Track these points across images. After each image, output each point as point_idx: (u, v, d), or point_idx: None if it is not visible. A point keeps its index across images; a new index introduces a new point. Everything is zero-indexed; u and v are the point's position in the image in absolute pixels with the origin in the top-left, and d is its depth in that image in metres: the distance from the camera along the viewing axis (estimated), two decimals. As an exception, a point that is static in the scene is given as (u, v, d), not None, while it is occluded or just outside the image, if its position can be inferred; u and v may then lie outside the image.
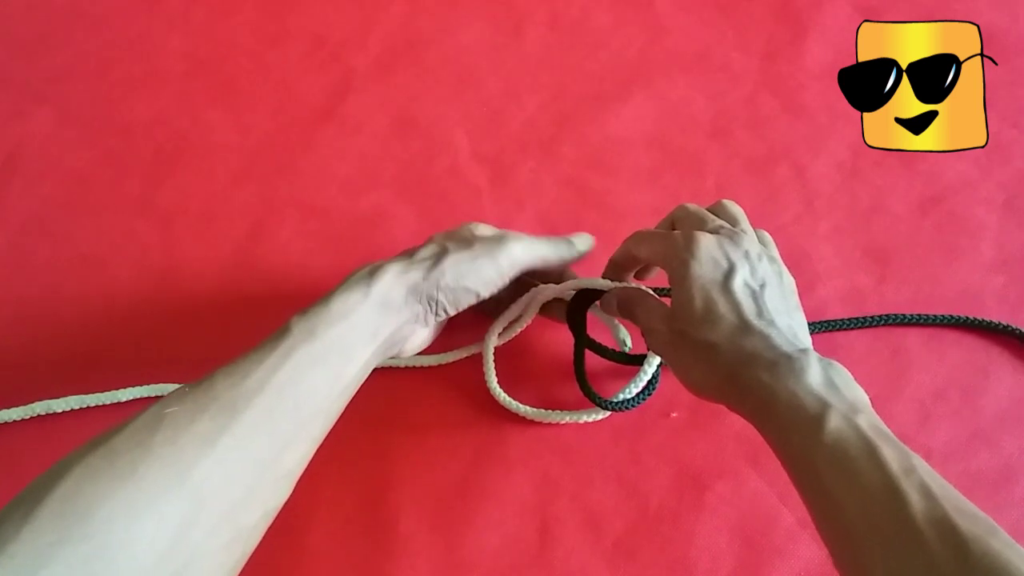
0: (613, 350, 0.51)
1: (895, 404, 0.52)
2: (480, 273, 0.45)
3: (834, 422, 0.35)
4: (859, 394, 0.38)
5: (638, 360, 0.51)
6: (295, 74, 0.65)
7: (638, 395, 0.50)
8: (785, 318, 0.41)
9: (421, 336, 0.46)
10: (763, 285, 0.41)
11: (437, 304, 0.45)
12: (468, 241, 0.46)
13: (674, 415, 0.52)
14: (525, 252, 0.47)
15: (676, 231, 0.44)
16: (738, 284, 0.41)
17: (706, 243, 0.42)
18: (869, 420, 0.36)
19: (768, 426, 0.38)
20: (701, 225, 0.44)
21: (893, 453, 0.34)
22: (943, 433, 0.51)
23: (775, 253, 0.45)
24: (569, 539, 0.49)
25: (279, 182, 0.60)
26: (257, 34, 0.66)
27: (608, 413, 0.51)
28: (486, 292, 0.46)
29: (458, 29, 0.66)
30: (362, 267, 0.44)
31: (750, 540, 0.48)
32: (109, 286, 0.57)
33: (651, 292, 0.47)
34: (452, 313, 0.46)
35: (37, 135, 0.62)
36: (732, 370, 0.39)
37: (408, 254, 0.45)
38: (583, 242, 0.51)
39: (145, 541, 0.31)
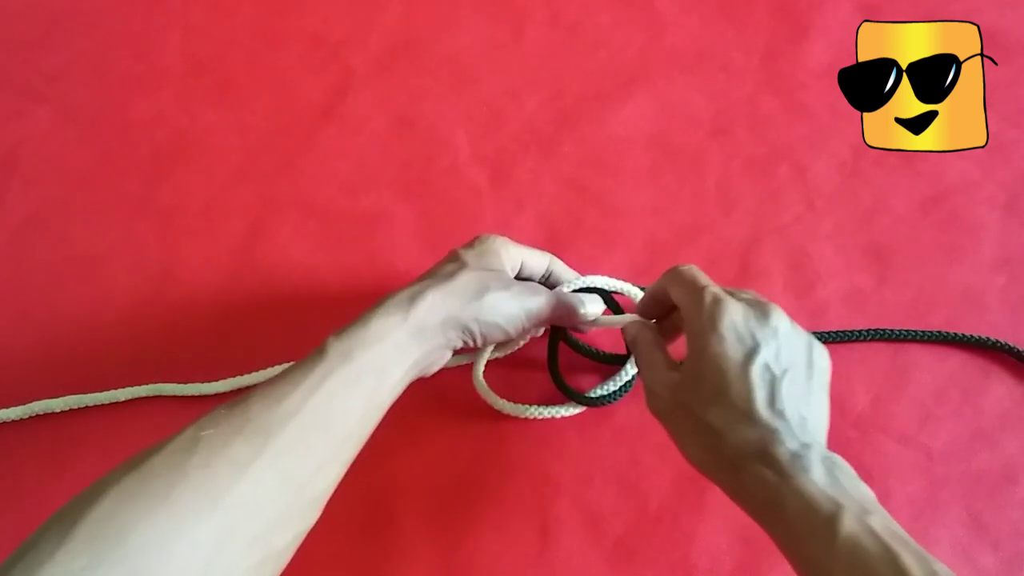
0: (588, 347, 0.51)
1: (896, 405, 0.52)
2: (514, 315, 0.45)
3: (848, 526, 0.34)
4: (866, 491, 0.37)
5: (615, 360, 0.51)
6: (295, 74, 0.65)
7: (615, 392, 0.50)
8: (799, 408, 0.38)
9: (445, 359, 0.47)
10: (786, 371, 0.39)
11: (470, 334, 0.45)
12: (506, 279, 0.46)
13: (674, 415, 0.52)
14: (552, 309, 0.47)
15: (708, 287, 0.41)
16: (757, 367, 0.38)
17: (733, 314, 0.39)
18: (883, 522, 0.34)
19: (776, 528, 0.36)
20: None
21: (914, 560, 0.32)
22: (944, 433, 0.51)
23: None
24: (569, 540, 0.49)
25: (278, 182, 0.60)
26: (257, 34, 0.66)
27: (583, 408, 0.51)
28: (514, 333, 0.46)
29: (458, 29, 0.66)
30: (401, 290, 0.44)
31: (750, 541, 0.48)
32: (108, 285, 0.57)
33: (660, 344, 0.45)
34: (479, 345, 0.46)
35: (36, 134, 0.62)
36: (734, 461, 0.38)
37: (443, 276, 0.45)
38: (593, 308, 0.49)
39: (177, 565, 0.31)
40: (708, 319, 0.39)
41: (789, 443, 0.37)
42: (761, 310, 0.40)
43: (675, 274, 0.43)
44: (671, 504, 0.49)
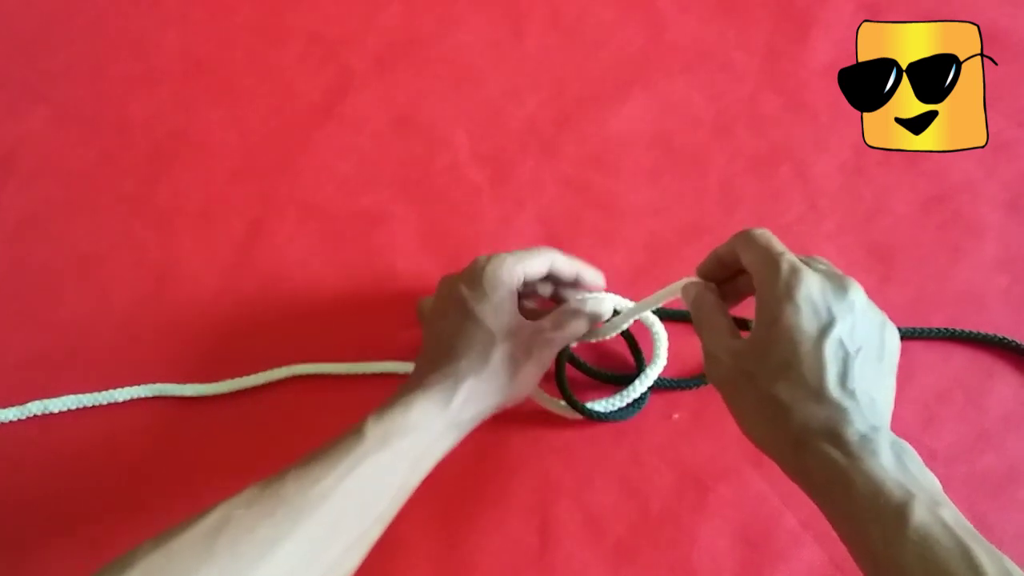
0: (592, 367, 0.52)
1: (899, 406, 0.51)
2: (539, 374, 0.46)
3: (919, 515, 0.33)
4: (933, 480, 0.36)
5: (618, 380, 0.51)
6: (294, 73, 0.64)
7: (625, 408, 0.50)
8: (869, 388, 0.37)
9: None
10: (859, 349, 0.38)
11: (501, 408, 0.45)
12: (525, 332, 0.45)
13: (676, 416, 0.52)
14: (566, 339, 0.47)
15: (784, 254, 0.39)
16: (831, 343, 0.37)
17: (810, 285, 0.38)
18: (953, 515, 0.34)
19: (839, 511, 0.36)
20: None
21: (988, 559, 0.32)
22: (948, 435, 0.51)
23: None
24: (570, 541, 0.48)
25: (278, 181, 0.60)
26: (255, 33, 0.66)
27: (579, 416, 0.50)
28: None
29: (458, 28, 0.66)
30: (440, 367, 0.43)
31: (752, 542, 0.48)
32: (106, 285, 0.56)
33: (725, 310, 0.43)
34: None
35: (34, 134, 0.62)
36: (799, 438, 0.37)
37: (477, 358, 0.43)
38: (599, 307, 0.49)
39: None
40: (784, 288, 0.38)
41: (858, 424, 0.36)
42: (839, 283, 0.39)
43: (748, 237, 0.41)
44: (672, 505, 0.49)
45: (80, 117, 0.63)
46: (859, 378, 0.37)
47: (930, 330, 0.53)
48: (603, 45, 0.65)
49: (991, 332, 0.53)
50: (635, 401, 0.51)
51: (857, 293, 0.39)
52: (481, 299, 0.44)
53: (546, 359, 0.46)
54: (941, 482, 0.49)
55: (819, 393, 0.37)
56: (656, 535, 0.49)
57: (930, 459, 0.50)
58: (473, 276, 0.46)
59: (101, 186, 0.60)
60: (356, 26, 0.66)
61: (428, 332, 0.47)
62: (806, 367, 0.37)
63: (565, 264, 0.49)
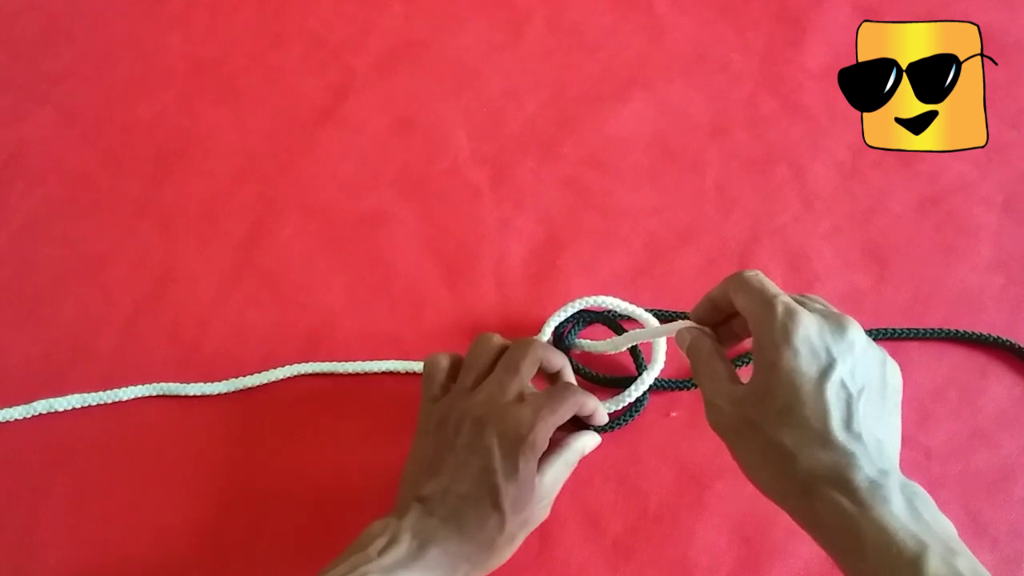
0: (593, 373, 0.52)
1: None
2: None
3: (933, 567, 0.32)
4: (948, 526, 0.35)
5: (616, 383, 0.51)
6: (295, 75, 0.65)
7: (624, 414, 0.51)
8: (875, 430, 0.36)
9: None
10: (861, 389, 0.36)
11: None
12: (530, 518, 0.43)
13: (674, 414, 0.52)
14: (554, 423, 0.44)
15: (779, 296, 0.38)
16: (833, 385, 0.36)
17: (808, 327, 0.37)
18: (970, 564, 0.33)
19: (851, 561, 0.34)
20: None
21: None
22: (942, 432, 0.51)
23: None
24: (569, 538, 0.49)
25: (279, 182, 0.61)
26: (257, 35, 0.67)
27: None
28: None
29: (458, 29, 0.66)
30: (441, 532, 0.41)
31: (750, 539, 0.48)
32: (110, 285, 0.57)
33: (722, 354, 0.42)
34: None
35: (38, 135, 0.63)
36: (807, 485, 0.35)
37: (483, 543, 0.41)
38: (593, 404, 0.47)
39: None
40: (781, 331, 0.37)
41: (867, 469, 0.35)
42: (837, 323, 0.38)
43: (741, 280, 0.40)
44: (671, 502, 0.50)
45: (84, 119, 0.63)
46: (864, 420, 0.36)
47: (925, 331, 0.54)
48: (602, 47, 0.65)
49: (986, 332, 0.54)
50: (634, 404, 0.51)
51: (856, 332, 0.38)
52: (511, 476, 0.41)
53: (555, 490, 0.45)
54: (936, 480, 0.50)
55: (824, 437, 0.35)
56: (654, 532, 0.49)
57: (925, 457, 0.50)
58: (513, 439, 0.42)
59: (105, 187, 0.61)
60: (357, 28, 0.66)
61: (430, 449, 0.44)
62: (809, 411, 0.36)
63: (588, 406, 0.46)
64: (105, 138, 0.62)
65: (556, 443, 0.45)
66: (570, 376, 0.48)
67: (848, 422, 0.36)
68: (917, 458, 0.50)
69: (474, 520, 0.41)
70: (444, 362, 0.46)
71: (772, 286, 0.40)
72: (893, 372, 0.39)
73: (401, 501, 0.43)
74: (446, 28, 0.66)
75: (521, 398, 0.44)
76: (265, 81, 0.65)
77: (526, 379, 0.45)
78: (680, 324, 0.44)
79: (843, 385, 0.36)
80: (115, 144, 0.62)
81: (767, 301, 0.38)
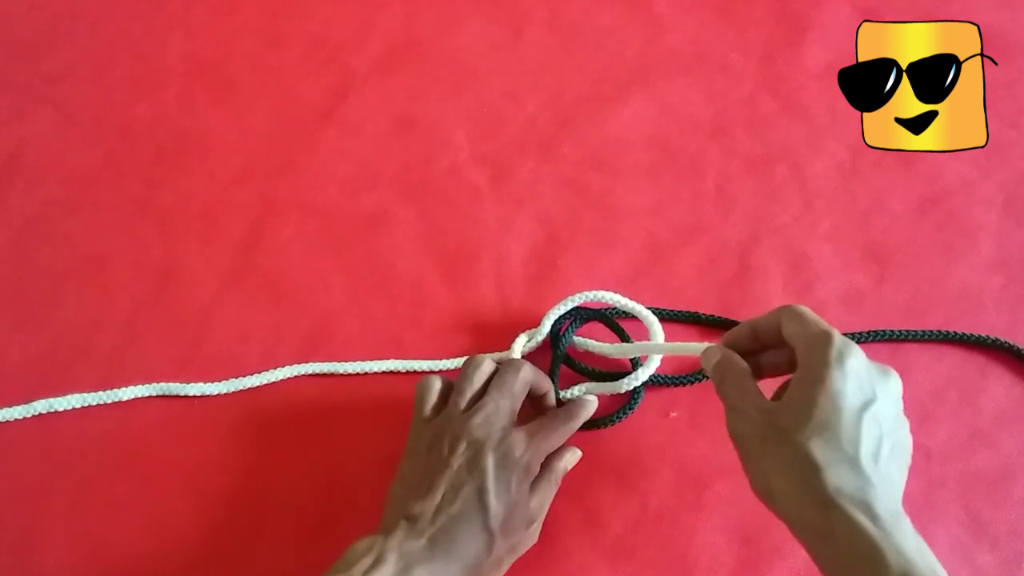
0: (590, 368, 0.52)
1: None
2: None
3: None
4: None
5: (614, 378, 0.51)
6: (295, 75, 0.65)
7: (616, 413, 0.51)
8: (892, 474, 0.38)
9: None
10: (889, 433, 0.38)
11: None
12: (517, 544, 0.44)
13: (674, 415, 0.52)
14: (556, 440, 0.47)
15: (834, 331, 0.40)
16: (870, 417, 0.38)
17: (860, 360, 0.39)
18: None
19: None
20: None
21: None
22: (942, 433, 0.51)
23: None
24: (568, 538, 0.49)
25: (279, 182, 0.61)
26: (257, 35, 0.67)
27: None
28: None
29: (458, 29, 0.66)
30: (430, 554, 0.41)
31: (750, 539, 0.48)
32: (110, 285, 0.57)
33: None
34: None
35: (38, 136, 0.63)
36: (830, 499, 0.36)
37: (473, 564, 0.41)
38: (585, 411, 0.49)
39: None
40: (836, 355, 0.38)
41: (886, 502, 0.36)
42: (883, 368, 0.40)
43: (796, 311, 0.42)
44: (670, 502, 0.50)
45: (84, 119, 0.63)
46: (886, 460, 0.38)
47: (925, 332, 0.54)
48: (602, 47, 0.65)
49: (986, 333, 0.53)
50: (628, 402, 0.51)
51: (897, 383, 0.40)
52: (503, 498, 0.42)
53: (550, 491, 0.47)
54: (936, 480, 0.50)
55: (853, 461, 0.37)
56: (654, 532, 0.49)
57: (925, 458, 0.50)
58: (508, 463, 0.43)
59: (105, 187, 0.61)
60: (357, 28, 0.66)
61: (420, 469, 0.44)
62: (844, 433, 0.37)
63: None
64: (105, 138, 0.62)
65: (542, 465, 0.46)
66: (552, 400, 0.50)
67: (876, 456, 0.37)
68: (917, 458, 0.50)
69: (463, 541, 0.41)
70: (437, 384, 0.48)
71: (825, 322, 0.41)
72: (910, 438, 0.41)
73: (387, 519, 0.44)
74: (446, 28, 0.66)
75: (514, 421, 0.46)
76: (265, 81, 0.65)
77: (518, 401, 0.46)
78: (705, 345, 0.46)
79: (878, 422, 0.38)
80: (115, 144, 0.62)
81: (826, 330, 0.40)
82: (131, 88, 0.64)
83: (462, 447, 0.43)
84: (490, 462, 0.43)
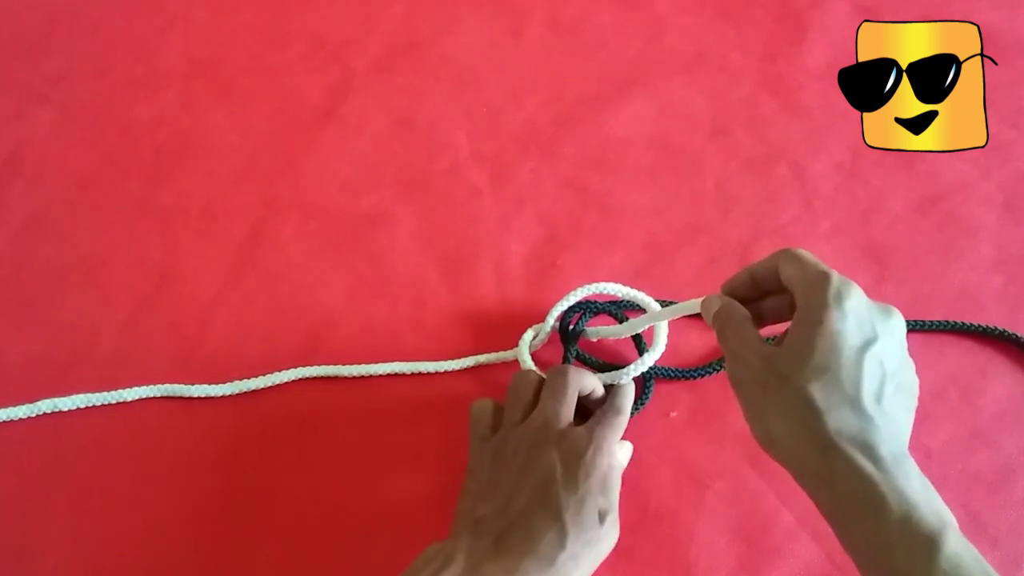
0: (600, 362, 0.52)
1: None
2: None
3: (953, 544, 0.33)
4: (954, 520, 0.36)
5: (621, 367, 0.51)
6: (295, 75, 0.65)
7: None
8: (897, 414, 0.37)
9: None
10: (893, 373, 0.37)
11: None
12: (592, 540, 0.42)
13: (673, 414, 0.52)
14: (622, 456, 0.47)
15: (832, 272, 0.39)
16: (871, 357, 0.37)
17: (859, 298, 0.38)
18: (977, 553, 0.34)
19: (865, 525, 0.35)
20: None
21: None
22: (942, 433, 0.51)
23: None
24: (569, 538, 0.49)
25: (280, 182, 0.61)
26: (258, 35, 0.67)
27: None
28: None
29: (458, 29, 0.66)
30: (502, 555, 0.40)
31: (750, 539, 0.48)
32: (111, 285, 0.57)
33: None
34: None
35: (38, 135, 0.63)
36: (830, 442, 0.36)
37: (545, 558, 0.40)
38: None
39: None
40: (835, 295, 0.37)
41: (889, 443, 0.35)
42: (884, 307, 0.39)
43: (795, 253, 0.40)
44: (670, 503, 0.50)
45: (84, 119, 0.63)
46: (890, 400, 0.37)
47: (925, 323, 0.54)
48: (602, 46, 0.65)
49: (986, 332, 0.54)
50: (640, 397, 0.51)
51: (899, 321, 0.39)
52: (572, 489, 0.42)
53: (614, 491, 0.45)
54: (936, 480, 0.50)
55: (855, 402, 0.36)
56: (654, 532, 0.49)
57: (925, 457, 0.51)
58: (574, 457, 0.43)
59: (105, 187, 0.61)
60: (357, 28, 0.66)
61: (485, 479, 0.45)
62: (845, 374, 0.36)
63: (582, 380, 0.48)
64: (105, 138, 0.62)
65: None
66: (600, 395, 0.49)
67: (879, 396, 0.36)
68: (917, 458, 0.49)
69: (533, 533, 0.40)
70: (489, 405, 0.49)
71: (823, 263, 0.40)
72: (915, 379, 0.40)
73: (456, 527, 0.44)
74: (446, 28, 0.66)
75: (571, 422, 0.46)
76: (265, 81, 0.65)
77: (572, 404, 0.46)
78: (702, 299, 0.45)
79: (880, 362, 0.37)
80: (115, 144, 0.62)
81: (823, 271, 0.39)
82: (131, 88, 0.64)
83: (523, 450, 0.44)
84: (556, 457, 0.43)
